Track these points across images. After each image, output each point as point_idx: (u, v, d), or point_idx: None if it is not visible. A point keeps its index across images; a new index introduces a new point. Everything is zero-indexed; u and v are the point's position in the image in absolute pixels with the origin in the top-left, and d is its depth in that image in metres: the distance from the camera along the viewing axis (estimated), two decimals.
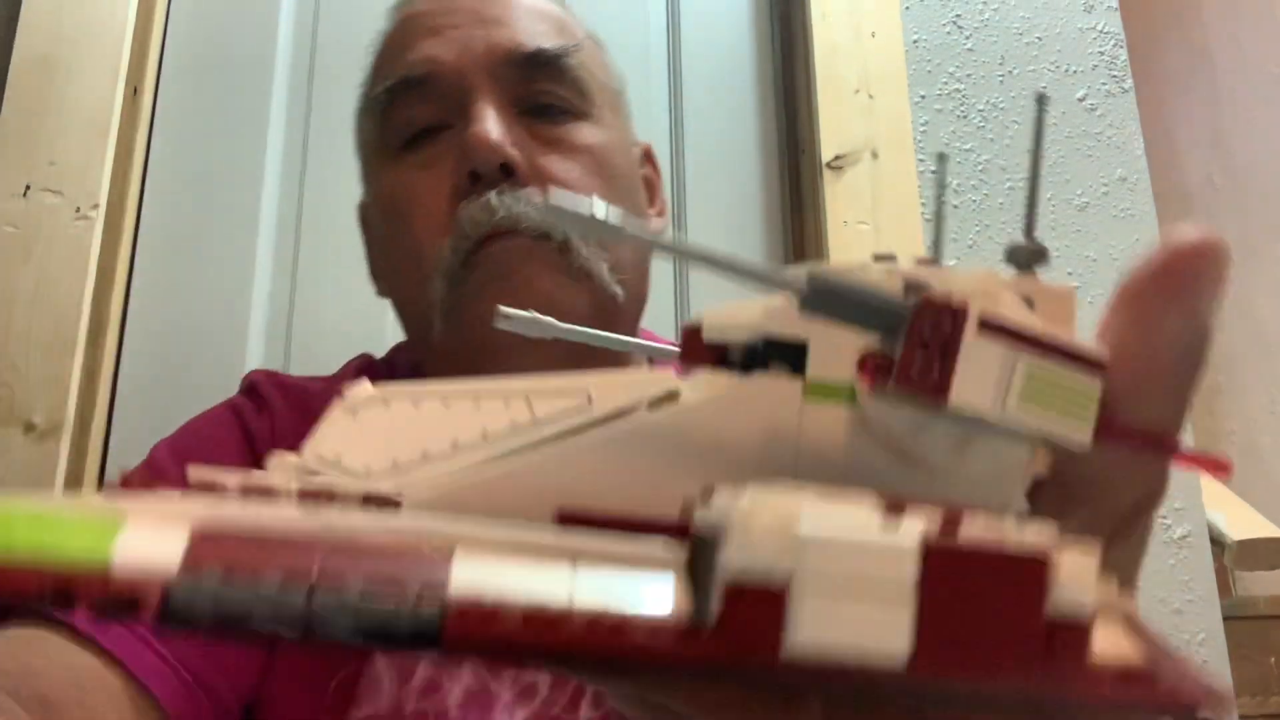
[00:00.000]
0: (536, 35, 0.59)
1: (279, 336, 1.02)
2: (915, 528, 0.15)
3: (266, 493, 0.18)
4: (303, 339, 1.02)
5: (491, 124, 0.55)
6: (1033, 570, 0.15)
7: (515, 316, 0.23)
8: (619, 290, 0.57)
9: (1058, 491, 0.20)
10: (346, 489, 0.18)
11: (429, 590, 0.14)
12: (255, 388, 0.64)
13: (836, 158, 1.08)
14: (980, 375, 0.17)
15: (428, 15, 0.61)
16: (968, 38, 1.18)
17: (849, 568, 0.14)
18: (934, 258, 0.21)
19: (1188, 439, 1.08)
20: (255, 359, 1.01)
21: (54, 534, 0.14)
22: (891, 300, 0.18)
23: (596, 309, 0.56)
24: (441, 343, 0.57)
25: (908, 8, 1.17)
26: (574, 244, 0.55)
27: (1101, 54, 1.21)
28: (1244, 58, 1.94)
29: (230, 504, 0.18)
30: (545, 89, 0.58)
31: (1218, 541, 1.39)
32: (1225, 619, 1.04)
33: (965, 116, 1.15)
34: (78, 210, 0.95)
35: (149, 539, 0.14)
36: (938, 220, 0.24)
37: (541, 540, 0.16)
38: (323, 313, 1.03)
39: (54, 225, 0.95)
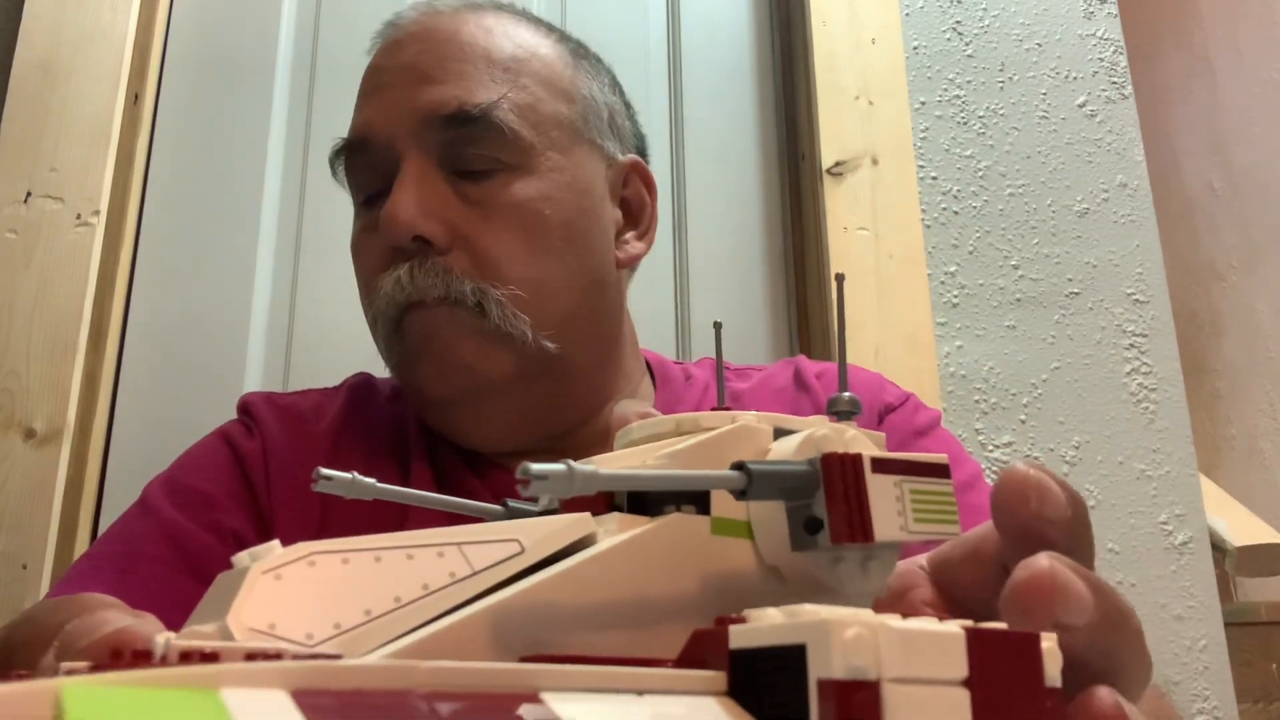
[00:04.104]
0: (463, 91, 0.57)
1: (279, 343, 1.02)
2: (953, 620, 0.17)
3: (212, 659, 0.15)
4: (303, 346, 1.02)
5: (406, 197, 0.56)
6: (1034, 647, 0.18)
7: (335, 479, 0.23)
8: (550, 345, 0.57)
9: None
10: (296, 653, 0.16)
11: None
12: (247, 409, 0.65)
13: (837, 164, 1.08)
14: (886, 507, 0.21)
15: (375, 71, 0.62)
16: (968, 44, 1.18)
17: (919, 655, 0.16)
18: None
19: (1188, 447, 1.08)
20: (256, 365, 1.01)
21: (162, 713, 0.13)
22: (802, 468, 0.21)
23: (526, 366, 0.57)
24: (405, 391, 0.61)
25: (908, 14, 1.17)
26: (488, 307, 0.55)
27: (1102, 60, 1.21)
28: (1244, 64, 1.94)
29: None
30: (470, 150, 0.57)
31: (1219, 547, 1.39)
32: (1226, 625, 1.03)
33: (965, 123, 1.15)
34: (78, 217, 0.96)
35: (259, 711, 0.13)
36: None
37: (603, 674, 0.16)
38: (323, 320, 1.03)
39: (54, 231, 0.95)
